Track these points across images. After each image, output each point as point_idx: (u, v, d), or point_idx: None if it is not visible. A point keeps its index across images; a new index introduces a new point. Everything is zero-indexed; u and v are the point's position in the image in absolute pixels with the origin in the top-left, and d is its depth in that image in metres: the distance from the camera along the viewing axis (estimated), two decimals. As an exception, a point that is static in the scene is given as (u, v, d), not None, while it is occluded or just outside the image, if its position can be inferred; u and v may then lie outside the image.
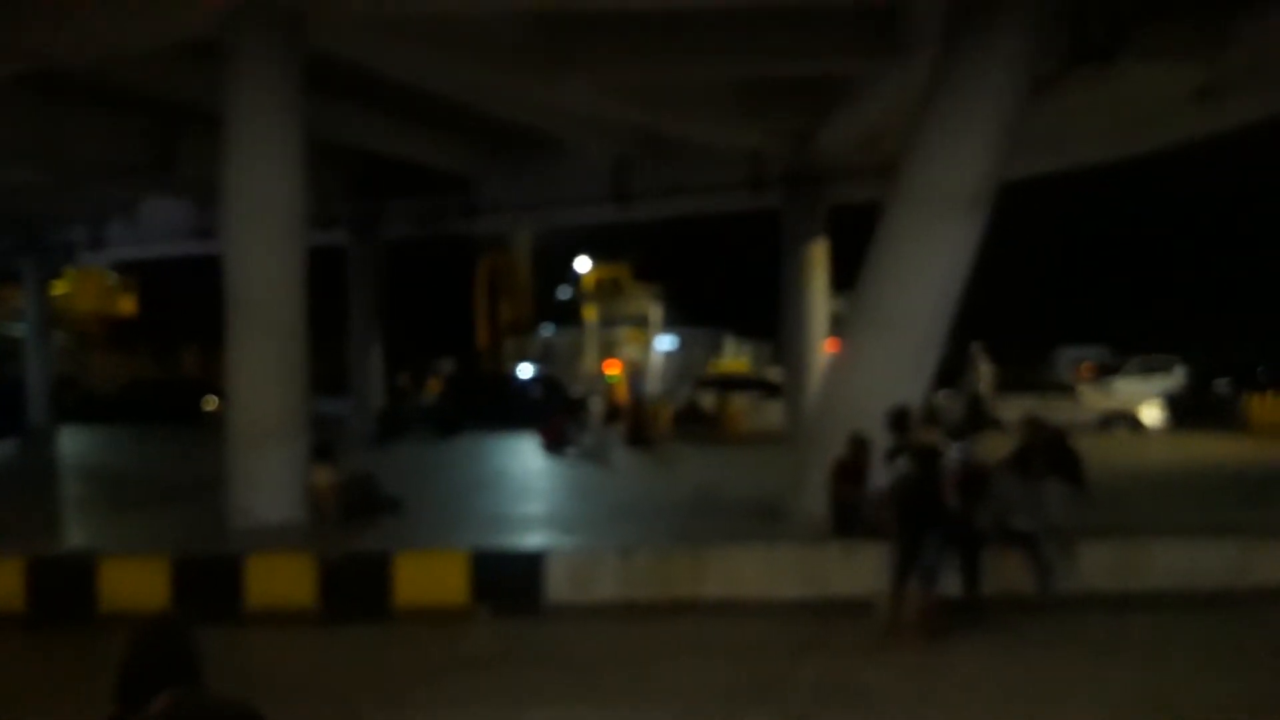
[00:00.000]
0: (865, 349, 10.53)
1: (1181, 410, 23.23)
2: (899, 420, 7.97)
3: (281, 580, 8.54)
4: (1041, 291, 49.40)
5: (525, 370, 34.11)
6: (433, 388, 30.39)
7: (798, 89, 17.71)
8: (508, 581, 8.48)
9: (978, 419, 18.29)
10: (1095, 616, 7.94)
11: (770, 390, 24.48)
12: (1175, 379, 27.68)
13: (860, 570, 8.35)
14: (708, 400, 24.87)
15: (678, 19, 14.41)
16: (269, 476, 10.43)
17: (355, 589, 8.48)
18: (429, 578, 8.53)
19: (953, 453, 8.46)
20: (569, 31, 14.47)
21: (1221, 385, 27.21)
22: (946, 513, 7.58)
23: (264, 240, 10.72)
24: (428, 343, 44.66)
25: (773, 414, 22.53)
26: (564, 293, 48.23)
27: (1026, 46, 10.11)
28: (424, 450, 18.99)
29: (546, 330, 47.84)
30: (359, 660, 7.25)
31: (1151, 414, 20.98)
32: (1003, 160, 10.22)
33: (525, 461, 16.15)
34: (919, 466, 7.47)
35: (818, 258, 20.32)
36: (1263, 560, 8.65)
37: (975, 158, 10.02)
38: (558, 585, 8.45)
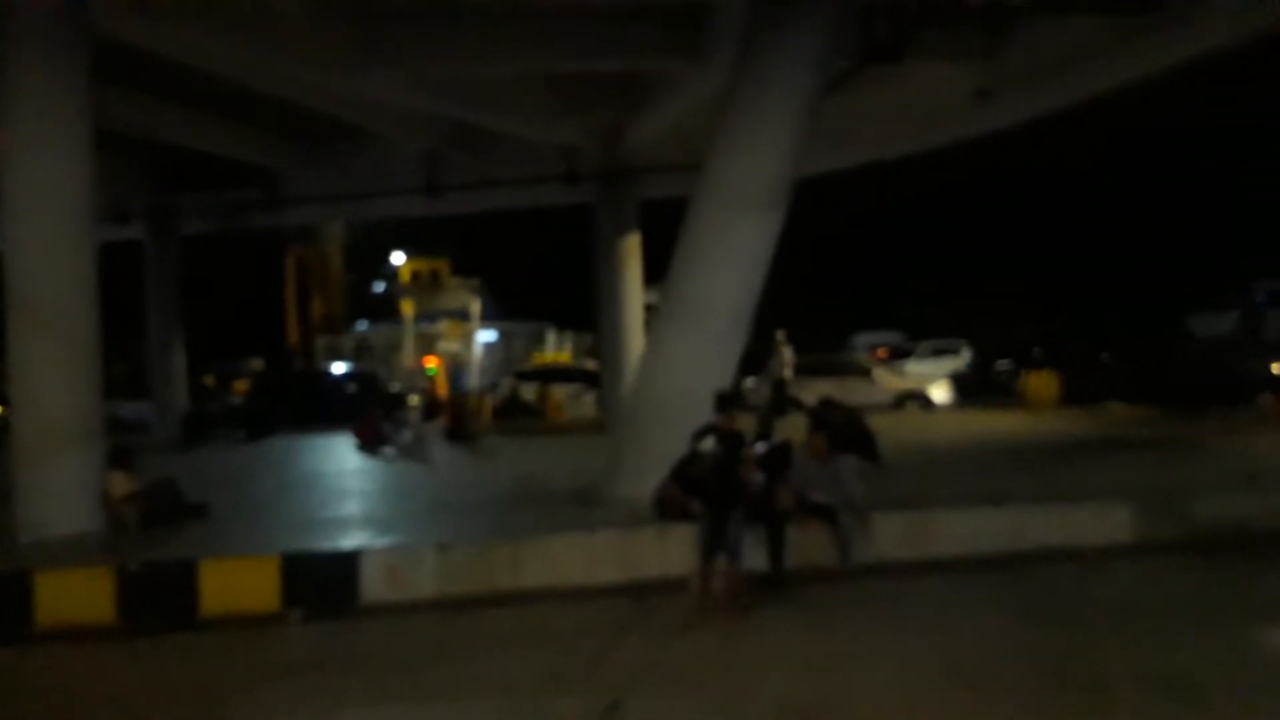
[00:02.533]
0: (674, 338, 10.78)
1: (967, 388, 24.92)
2: (725, 402, 8.17)
3: (75, 596, 8.01)
4: (839, 281, 51.96)
5: (339, 367, 33.00)
6: (240, 388, 29.00)
7: (609, 86, 17.89)
8: (321, 584, 8.23)
9: (781, 402, 19.07)
10: (890, 584, 8.42)
11: (591, 381, 24.67)
12: (961, 360, 29.75)
13: (674, 552, 8.59)
14: (529, 392, 24.84)
15: (486, 13, 14.29)
16: (60, 487, 9.73)
17: (158, 601, 8.03)
18: (238, 585, 8.18)
19: (759, 447, 8.94)
20: (374, 22, 14.09)
21: (1003, 365, 29.30)
22: (747, 492, 7.92)
23: (48, 236, 9.96)
24: (235, 341, 42.56)
25: (593, 404, 22.77)
26: (380, 287, 46.99)
27: (821, 47, 10.57)
28: (232, 453, 18.12)
29: (362, 326, 46.50)
30: (164, 674, 6.88)
31: (940, 393, 22.38)
32: (800, 156, 10.66)
33: (340, 462, 15.66)
34: (724, 449, 7.75)
35: (631, 251, 20.61)
36: (1037, 524, 9.31)
37: (774, 154, 10.41)
38: (374, 585, 8.27)
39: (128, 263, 23.97)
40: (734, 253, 10.53)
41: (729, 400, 8.22)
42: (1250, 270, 44.67)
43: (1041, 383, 22.09)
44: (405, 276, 47.21)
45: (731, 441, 7.85)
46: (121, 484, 9.95)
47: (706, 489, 7.88)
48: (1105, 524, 9.39)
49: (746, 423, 10.60)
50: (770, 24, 10.43)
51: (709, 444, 7.85)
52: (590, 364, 26.95)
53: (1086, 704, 5.63)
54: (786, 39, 10.33)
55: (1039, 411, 20.37)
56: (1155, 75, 14.97)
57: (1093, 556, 9.01)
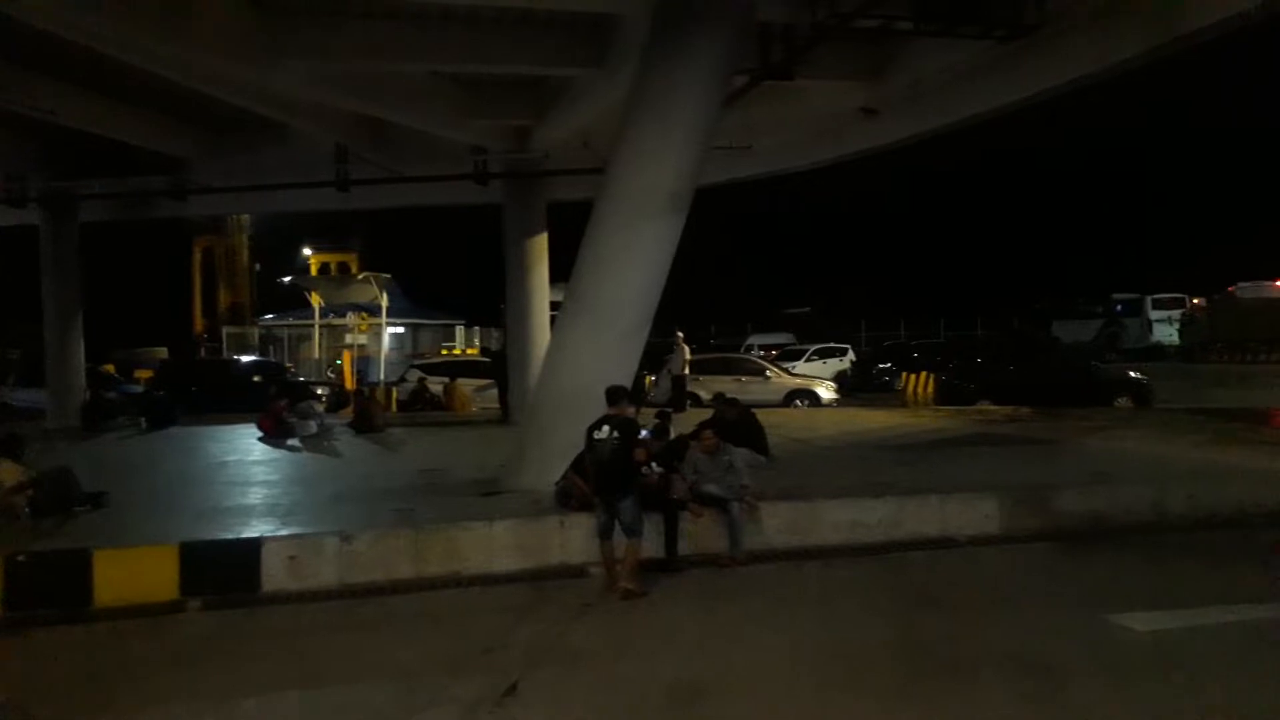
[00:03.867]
0: (578, 336, 10.75)
1: (852, 387, 25.61)
2: (616, 395, 8.31)
3: (-40, 587, 7.53)
4: (739, 284, 52.86)
5: (245, 357, 31.92)
6: (143, 376, 27.80)
7: (518, 88, 17.74)
8: (221, 573, 7.92)
9: (680, 398, 19.28)
10: (777, 570, 8.56)
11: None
12: (847, 361, 30.57)
13: (575, 540, 8.58)
14: (437, 385, 24.47)
15: (397, 13, 14.00)
16: (-55, 476, 9.17)
17: (48, 591, 7.62)
18: (134, 574, 7.80)
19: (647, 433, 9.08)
20: (283, 16, 13.67)
21: (884, 366, 30.19)
22: (639, 476, 8.05)
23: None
24: (139, 329, 40.87)
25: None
26: (289, 279, 45.68)
27: (720, 62, 10.67)
28: (133, 442, 17.35)
29: (270, 317, 45.15)
30: (53, 665, 6.53)
31: (827, 391, 22.90)
32: (700, 164, 10.73)
33: (243, 452, 15.14)
34: (621, 436, 7.87)
35: (539, 251, 20.45)
36: (911, 515, 9.59)
37: (676, 162, 10.45)
38: (275, 574, 8.01)
39: (26, 247, 22.78)
40: (636, 255, 10.55)
41: (619, 393, 8.33)
42: (1112, 282, 47.10)
43: (919, 383, 22.79)
44: (314, 269, 46.03)
45: (624, 428, 7.96)
46: (10, 473, 9.43)
47: (600, 473, 7.96)
48: (975, 515, 9.72)
49: (646, 417, 10.67)
50: (673, 38, 10.47)
51: (605, 432, 7.92)
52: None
53: (954, 680, 5.80)
54: (688, 53, 10.39)
55: (917, 409, 21.01)
56: (1031, 99, 15.53)
57: (963, 545, 9.33)
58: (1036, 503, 9.97)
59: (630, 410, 8.22)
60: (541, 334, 19.40)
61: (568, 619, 7.14)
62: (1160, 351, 44.34)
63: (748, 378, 22.45)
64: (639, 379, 18.12)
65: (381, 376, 28.01)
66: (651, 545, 8.40)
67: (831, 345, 32.11)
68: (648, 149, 10.49)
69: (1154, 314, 46.53)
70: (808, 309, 50.77)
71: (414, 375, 25.64)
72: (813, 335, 35.94)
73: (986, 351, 26.53)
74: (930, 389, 22.37)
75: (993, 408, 20.16)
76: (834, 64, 15.40)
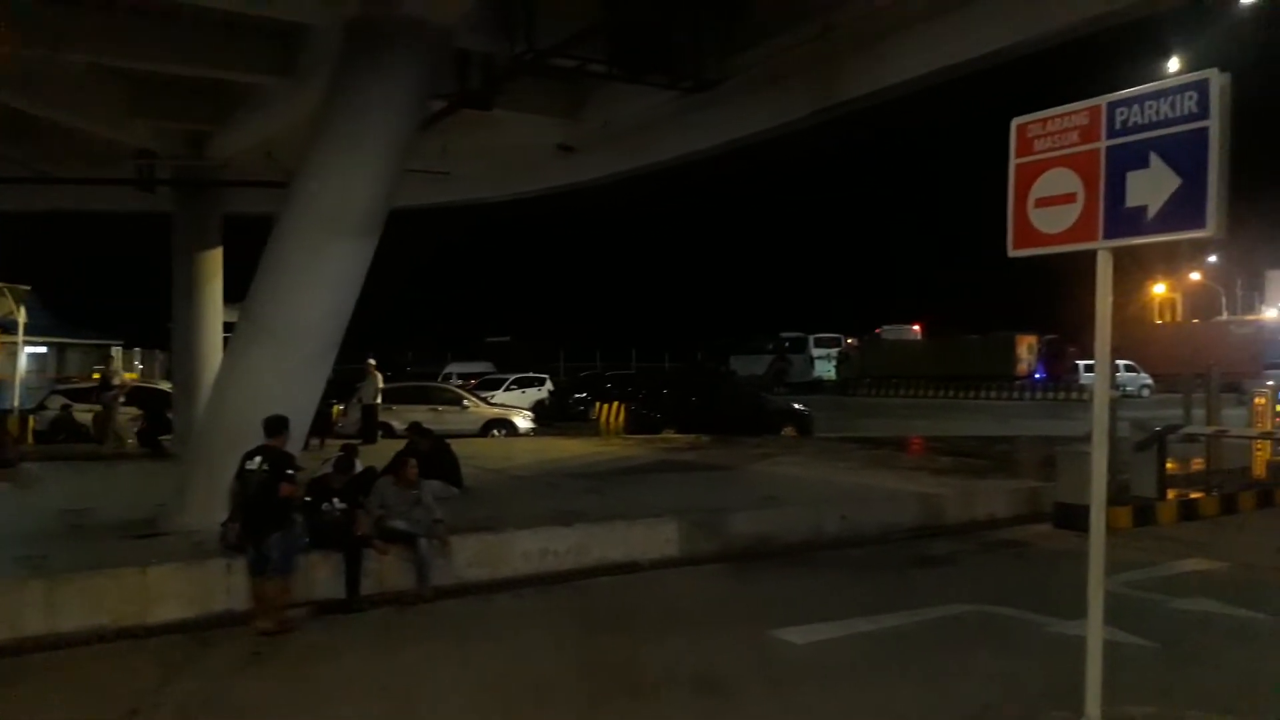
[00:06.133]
0: (255, 361, 10.01)
1: (549, 417, 26.00)
2: (274, 427, 8.00)
3: None
4: (439, 311, 52.30)
5: None
6: None
7: (194, 90, 16.38)
8: None
9: (370, 428, 18.57)
10: (466, 604, 8.41)
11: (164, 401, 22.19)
12: (544, 391, 31.05)
13: (242, 585, 7.91)
14: (86, 414, 21.77)
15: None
16: None
17: None
18: None
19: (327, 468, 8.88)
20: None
21: (580, 396, 30.95)
22: (290, 512, 7.76)
23: None
24: None
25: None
26: (-103, 288, 38.99)
27: (415, 84, 10.44)
28: None
29: None
30: None
31: (524, 420, 23.07)
32: (393, 185, 10.43)
33: None
34: (270, 468, 7.58)
35: (212, 266, 18.90)
36: (599, 541, 9.83)
37: (366, 182, 10.08)
38: None
39: None
40: (324, 276, 10.03)
41: (279, 424, 8.03)
42: (782, 320, 51.87)
43: (611, 412, 23.57)
44: (-68, 278, 39.57)
45: (275, 460, 7.69)
46: None
47: (247, 508, 7.65)
48: (657, 540, 10.13)
49: (333, 450, 10.11)
50: (366, 55, 10.13)
51: (255, 463, 7.65)
52: (167, 384, 24.18)
53: (637, 701, 5.99)
54: (382, 71, 10.09)
55: (609, 438, 21.68)
56: (718, 148, 16.69)
57: (646, 569, 9.70)
58: (712, 526, 10.58)
59: (280, 441, 7.87)
60: (212, 357, 17.94)
61: (233, 671, 6.56)
62: (820, 385, 49.31)
63: (444, 407, 22.07)
64: (327, 408, 17.22)
65: (16, 403, 24.49)
66: (333, 585, 7.95)
67: (530, 375, 32.46)
68: (337, 165, 10.05)
69: (816, 351, 51.88)
70: (508, 338, 51.13)
71: (56, 402, 22.62)
72: (513, 365, 36.19)
73: (671, 383, 27.96)
74: (621, 418, 23.17)
75: (676, 436, 21.24)
76: (532, 99, 15.69)
